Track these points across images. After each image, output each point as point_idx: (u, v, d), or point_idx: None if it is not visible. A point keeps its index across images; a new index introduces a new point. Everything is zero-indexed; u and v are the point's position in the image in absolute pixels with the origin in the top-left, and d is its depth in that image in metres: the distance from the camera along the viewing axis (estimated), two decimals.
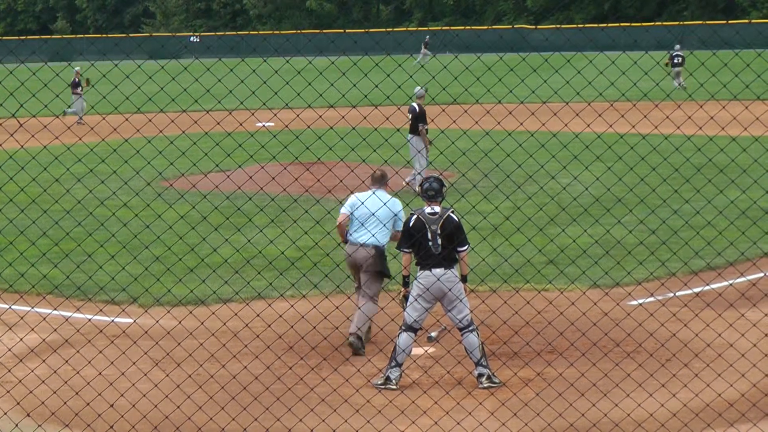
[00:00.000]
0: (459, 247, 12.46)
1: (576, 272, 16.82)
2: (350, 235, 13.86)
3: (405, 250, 12.62)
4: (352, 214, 13.93)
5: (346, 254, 13.93)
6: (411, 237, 12.50)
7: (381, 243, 13.83)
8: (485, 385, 12.31)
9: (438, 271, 12.31)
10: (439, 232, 12.39)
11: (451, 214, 12.51)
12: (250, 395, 11.85)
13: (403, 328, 12.45)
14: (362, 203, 13.79)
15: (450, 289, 12.35)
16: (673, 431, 10.98)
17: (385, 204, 13.80)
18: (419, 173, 25.51)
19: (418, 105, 26.13)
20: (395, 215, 13.88)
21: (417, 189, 24.95)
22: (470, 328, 12.38)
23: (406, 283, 12.77)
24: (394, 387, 12.31)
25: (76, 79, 44.36)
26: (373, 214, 13.68)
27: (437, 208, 12.55)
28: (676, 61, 50.92)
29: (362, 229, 13.81)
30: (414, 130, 26.28)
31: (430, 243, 12.38)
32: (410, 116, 26.22)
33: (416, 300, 12.43)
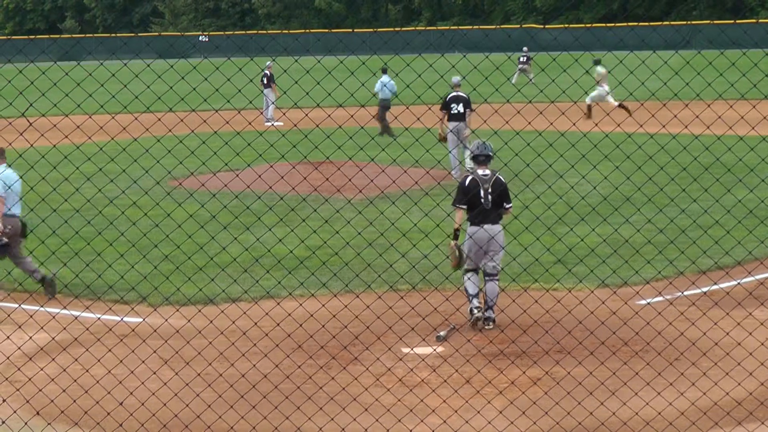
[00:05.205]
0: (506, 204, 14.57)
1: (584, 271, 16.83)
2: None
3: (460, 206, 14.49)
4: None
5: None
6: (466, 195, 14.44)
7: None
8: (490, 327, 14.37)
9: (488, 226, 14.36)
10: (490, 191, 14.39)
11: (500, 176, 14.58)
12: (259, 394, 11.87)
13: (466, 275, 14.50)
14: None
15: (493, 239, 14.37)
16: (681, 430, 10.99)
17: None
18: (463, 160, 25.83)
19: (463, 93, 26.65)
20: None
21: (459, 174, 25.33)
22: (496, 277, 14.50)
23: (456, 237, 14.47)
24: (478, 313, 14.35)
25: (268, 73, 39.05)
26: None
27: (488, 171, 14.59)
28: (521, 60, 58.45)
29: None
30: (463, 116, 26.47)
31: (482, 200, 14.38)
32: (460, 106, 26.36)
33: (470, 251, 14.40)
